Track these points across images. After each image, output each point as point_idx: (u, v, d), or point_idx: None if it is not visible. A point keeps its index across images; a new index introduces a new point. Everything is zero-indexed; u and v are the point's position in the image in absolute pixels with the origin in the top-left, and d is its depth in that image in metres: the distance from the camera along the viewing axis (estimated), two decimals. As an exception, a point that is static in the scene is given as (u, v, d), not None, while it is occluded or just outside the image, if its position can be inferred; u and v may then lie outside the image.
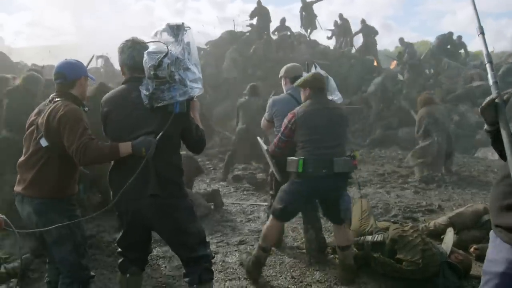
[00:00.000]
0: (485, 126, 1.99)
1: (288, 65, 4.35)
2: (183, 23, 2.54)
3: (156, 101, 2.45)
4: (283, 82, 4.29)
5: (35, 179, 2.65)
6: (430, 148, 7.36)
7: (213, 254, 2.81)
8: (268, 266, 3.92)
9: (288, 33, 16.13)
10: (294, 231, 4.85)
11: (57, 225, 2.54)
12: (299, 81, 3.62)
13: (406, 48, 15.39)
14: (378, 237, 3.70)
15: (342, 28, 16.97)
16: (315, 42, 16.98)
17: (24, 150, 2.77)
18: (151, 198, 2.51)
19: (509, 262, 1.83)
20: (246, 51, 14.85)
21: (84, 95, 2.87)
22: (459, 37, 16.39)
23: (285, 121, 3.54)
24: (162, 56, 2.39)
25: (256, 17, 16.44)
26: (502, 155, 1.90)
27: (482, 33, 2.03)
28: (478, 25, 2.04)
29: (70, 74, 2.76)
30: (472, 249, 3.99)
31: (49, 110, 2.62)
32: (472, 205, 4.67)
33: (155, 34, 2.55)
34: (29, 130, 2.76)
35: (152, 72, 2.40)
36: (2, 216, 1.89)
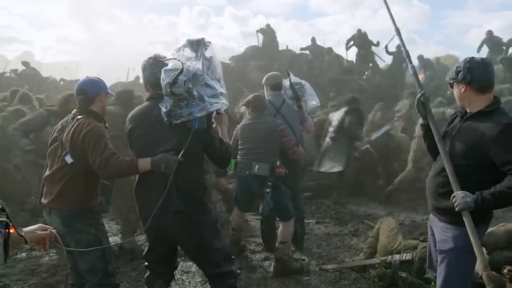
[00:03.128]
0: (420, 120, 2.69)
1: (269, 73, 4.74)
2: (203, 38, 2.56)
3: (174, 118, 2.47)
4: (264, 89, 4.66)
5: (61, 193, 2.77)
6: None
7: (238, 271, 2.80)
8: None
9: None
10: (319, 247, 4.79)
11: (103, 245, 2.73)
12: (244, 101, 4.34)
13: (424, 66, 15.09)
14: (407, 256, 3.61)
15: (358, 42, 16.64)
16: (340, 58, 16.82)
17: (48, 165, 2.90)
18: (175, 214, 2.53)
19: (455, 239, 2.41)
20: (271, 66, 14.88)
21: (104, 110, 2.99)
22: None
23: (234, 133, 4.29)
24: (177, 73, 2.41)
25: (262, 36, 16.55)
26: (430, 148, 2.69)
27: (398, 33, 2.83)
28: (395, 27, 2.82)
29: (90, 91, 2.89)
30: (505, 271, 3.82)
31: (73, 128, 2.73)
32: (504, 224, 4.49)
33: (176, 50, 2.58)
34: (52, 146, 2.88)
35: (168, 90, 2.43)
36: (53, 231, 1.95)
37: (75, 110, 2.89)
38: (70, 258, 2.89)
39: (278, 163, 4.00)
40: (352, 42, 16.00)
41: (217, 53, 2.64)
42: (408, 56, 2.78)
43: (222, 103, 2.56)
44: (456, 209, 2.32)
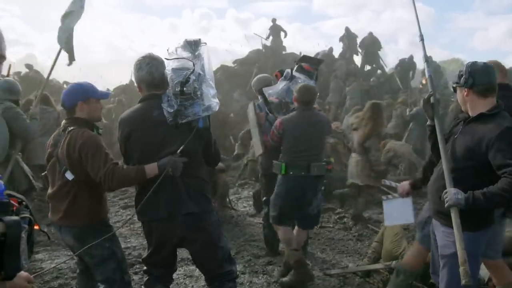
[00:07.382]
0: (428, 121, 2.69)
1: (259, 76, 4.64)
2: (200, 38, 2.57)
3: (180, 118, 2.46)
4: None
5: (69, 210, 2.65)
6: None
7: (240, 274, 2.78)
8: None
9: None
10: (323, 252, 4.76)
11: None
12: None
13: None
14: (411, 261, 3.56)
15: (348, 44, 16.61)
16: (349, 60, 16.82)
17: (50, 181, 2.78)
18: (185, 216, 2.53)
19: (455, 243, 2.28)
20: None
21: (94, 115, 2.79)
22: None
23: (273, 129, 3.92)
24: (189, 72, 2.41)
25: (271, 37, 16.63)
26: (433, 149, 2.68)
27: (422, 40, 2.90)
28: (420, 33, 2.88)
29: (67, 101, 2.73)
30: None
31: (66, 141, 2.59)
32: (510, 230, 4.46)
33: (173, 51, 2.57)
34: (50, 163, 2.76)
35: (178, 89, 2.41)
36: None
37: (64, 121, 2.74)
38: (81, 264, 2.87)
39: (332, 159, 3.97)
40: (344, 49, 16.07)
41: (220, 56, 2.67)
42: (427, 61, 2.89)
43: (218, 103, 2.58)
44: (446, 205, 2.31)
